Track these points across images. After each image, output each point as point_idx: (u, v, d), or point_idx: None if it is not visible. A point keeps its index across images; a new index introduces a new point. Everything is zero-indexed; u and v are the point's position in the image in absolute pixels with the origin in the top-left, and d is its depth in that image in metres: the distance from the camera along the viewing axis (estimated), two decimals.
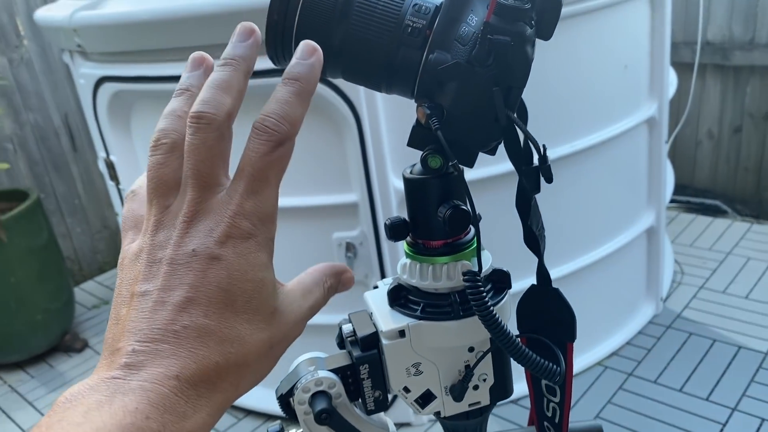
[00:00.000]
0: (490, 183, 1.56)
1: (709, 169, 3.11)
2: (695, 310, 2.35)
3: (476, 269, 0.47)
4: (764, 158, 2.92)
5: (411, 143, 0.45)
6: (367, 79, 0.44)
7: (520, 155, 0.41)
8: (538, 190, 0.45)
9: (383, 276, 1.76)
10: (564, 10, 1.56)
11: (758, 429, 1.82)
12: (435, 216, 0.48)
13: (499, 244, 0.87)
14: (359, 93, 1.55)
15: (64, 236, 3.08)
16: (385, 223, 0.50)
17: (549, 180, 0.40)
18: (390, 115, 1.61)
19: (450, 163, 0.41)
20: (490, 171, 1.49)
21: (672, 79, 2.22)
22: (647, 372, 2.08)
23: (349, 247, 1.78)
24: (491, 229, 0.79)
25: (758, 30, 2.78)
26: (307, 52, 0.38)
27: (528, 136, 0.39)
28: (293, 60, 0.38)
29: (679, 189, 3.10)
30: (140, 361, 0.31)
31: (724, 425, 1.85)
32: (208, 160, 0.35)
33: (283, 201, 1.79)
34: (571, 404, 0.52)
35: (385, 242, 1.72)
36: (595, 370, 2.11)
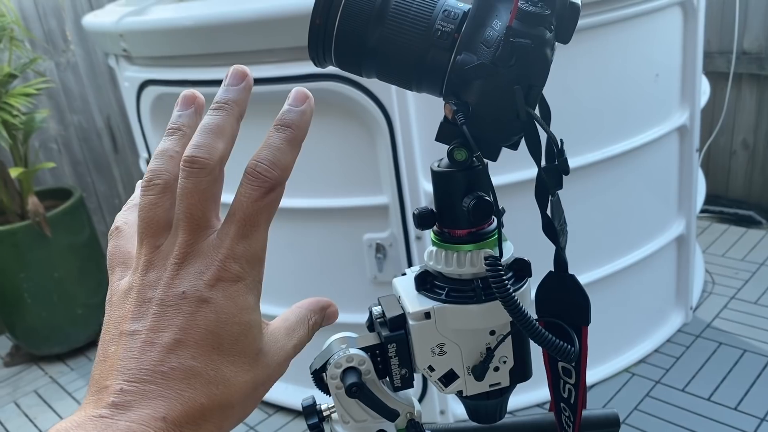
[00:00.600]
0: (517, 188, 1.59)
1: (743, 180, 3.08)
2: (726, 320, 2.34)
3: (494, 257, 0.50)
4: None
5: (438, 138, 0.49)
6: (400, 78, 0.48)
7: (538, 149, 0.45)
8: (560, 186, 0.48)
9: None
10: (596, 19, 1.60)
11: None
12: (460, 206, 0.51)
13: (524, 245, 0.90)
14: (391, 97, 1.60)
15: (104, 235, 3.18)
16: (413, 213, 0.54)
17: (566, 172, 0.44)
18: (421, 119, 1.65)
19: (474, 155, 0.45)
20: (516, 177, 1.51)
21: (705, 87, 2.22)
22: (675, 380, 2.08)
23: (379, 248, 1.83)
24: (516, 231, 0.82)
25: None
26: (299, 99, 0.40)
27: (546, 131, 0.43)
28: (285, 106, 0.40)
29: (712, 199, 3.08)
30: (128, 401, 0.32)
31: None
32: (201, 204, 0.36)
33: (315, 202, 1.85)
34: (587, 388, 0.55)
35: (414, 243, 1.76)
36: (622, 376, 2.12)
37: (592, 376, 2.06)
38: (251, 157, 0.38)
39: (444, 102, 0.47)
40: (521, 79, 0.42)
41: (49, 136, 2.99)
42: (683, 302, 2.32)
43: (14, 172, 2.33)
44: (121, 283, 0.37)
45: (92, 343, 2.73)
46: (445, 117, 0.48)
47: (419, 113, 1.64)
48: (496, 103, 0.43)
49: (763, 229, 2.93)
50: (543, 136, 0.46)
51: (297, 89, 0.41)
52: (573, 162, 1.75)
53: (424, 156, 1.68)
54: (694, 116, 2.07)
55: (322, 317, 0.45)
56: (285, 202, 1.66)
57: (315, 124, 1.72)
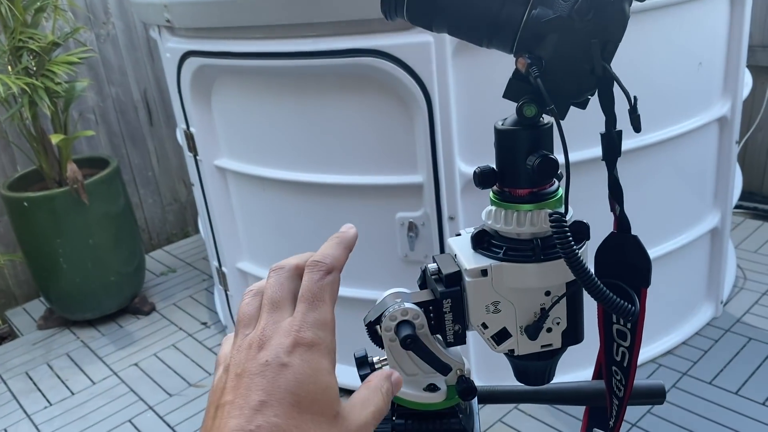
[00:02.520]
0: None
1: None
2: (756, 316, 2.31)
3: (560, 214, 0.51)
4: None
5: (507, 94, 0.50)
6: (471, 33, 0.49)
7: (612, 106, 0.45)
8: (620, 153, 0.49)
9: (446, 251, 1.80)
10: (641, 5, 1.56)
11: None
12: (524, 165, 0.52)
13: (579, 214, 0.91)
14: (432, 74, 1.60)
15: (136, 206, 3.23)
16: (474, 171, 0.55)
17: (637, 129, 0.44)
18: (461, 101, 1.65)
19: (547, 109, 0.45)
20: (578, 156, 1.50)
21: (747, 79, 2.18)
22: (703, 373, 2.07)
23: (411, 227, 1.83)
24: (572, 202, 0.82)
25: None
26: (348, 227, 0.51)
27: (621, 87, 0.43)
28: (340, 231, 0.51)
29: (747, 195, 3.03)
30: None
31: None
32: (279, 293, 0.44)
33: (349, 179, 1.85)
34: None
35: (447, 223, 1.77)
36: (648, 366, 2.11)
37: None
38: None
39: (515, 57, 0.47)
40: (598, 33, 0.42)
41: (88, 106, 3.03)
42: (714, 296, 2.30)
43: (55, 139, 2.38)
44: (219, 366, 0.44)
45: (123, 311, 2.78)
46: (515, 73, 0.48)
47: (459, 91, 1.63)
48: (571, 57, 0.44)
49: None
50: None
51: (348, 225, 0.52)
52: (589, 153, 1.74)
53: (462, 136, 1.68)
54: (735, 108, 2.04)
55: (391, 384, 0.48)
56: (321, 177, 1.68)
57: (353, 100, 1.76)
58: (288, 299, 0.44)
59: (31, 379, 2.45)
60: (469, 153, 1.71)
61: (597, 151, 0.49)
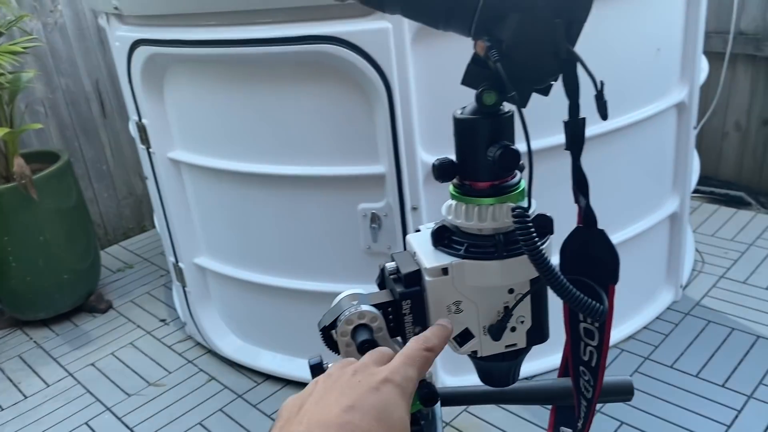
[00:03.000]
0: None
1: (734, 161, 3.08)
2: (715, 299, 2.35)
3: (523, 208, 0.48)
4: None
5: (465, 81, 0.47)
6: (426, 13, 0.45)
7: (576, 92, 0.42)
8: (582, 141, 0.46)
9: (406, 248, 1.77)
10: None
11: None
12: (484, 156, 0.49)
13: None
14: (391, 63, 1.56)
15: (91, 201, 3.13)
16: (433, 164, 0.52)
17: (604, 116, 0.42)
18: (421, 88, 1.62)
19: (508, 96, 0.42)
20: (541, 143, 1.48)
21: (704, 65, 2.20)
22: (664, 357, 2.09)
23: (374, 219, 1.80)
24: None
25: None
26: (448, 321, 0.53)
27: (587, 71, 0.40)
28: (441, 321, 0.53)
29: (703, 179, 3.08)
30: None
31: (740, 412, 1.85)
32: (388, 356, 0.50)
33: (310, 170, 1.80)
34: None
35: (410, 214, 1.74)
36: (611, 352, 2.12)
37: None
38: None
39: (474, 40, 0.44)
40: (562, 12, 0.39)
41: (36, 98, 2.91)
42: (674, 280, 2.33)
43: None
44: (299, 393, 0.49)
45: (78, 309, 2.69)
46: (474, 57, 0.45)
47: (419, 78, 1.60)
48: (534, 39, 0.41)
49: (753, 210, 2.94)
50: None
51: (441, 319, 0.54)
52: (554, 140, 1.73)
53: (423, 124, 1.65)
54: (693, 93, 2.06)
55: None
56: (280, 168, 1.63)
57: (311, 89, 1.70)
58: (389, 359, 0.50)
59: None
60: (431, 142, 1.68)
61: (559, 138, 0.46)
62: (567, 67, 0.41)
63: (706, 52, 2.44)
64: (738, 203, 3.02)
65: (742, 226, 2.81)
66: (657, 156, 2.11)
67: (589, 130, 1.55)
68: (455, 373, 1.98)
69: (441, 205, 0.54)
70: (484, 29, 0.42)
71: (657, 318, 2.26)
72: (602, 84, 0.41)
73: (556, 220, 0.53)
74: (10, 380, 2.35)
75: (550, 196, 0.73)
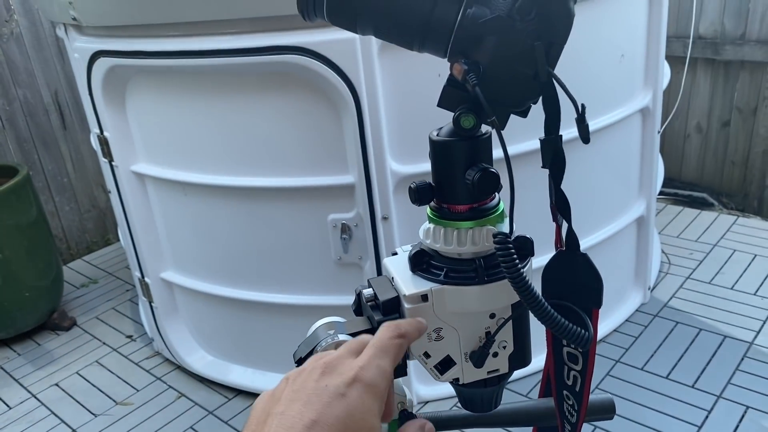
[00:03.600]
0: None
1: (696, 162, 3.13)
2: (682, 300, 2.38)
3: (504, 234, 0.47)
4: (751, 152, 2.95)
5: (442, 103, 0.45)
6: (400, 35, 0.44)
7: (557, 116, 0.41)
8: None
9: (378, 258, 1.76)
10: None
11: (742, 416, 1.85)
12: (462, 179, 0.48)
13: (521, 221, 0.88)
14: (359, 71, 1.54)
15: (52, 215, 3.04)
16: (410, 187, 0.50)
17: (586, 140, 0.40)
18: (389, 98, 1.60)
19: (488, 120, 0.41)
20: (517, 149, 1.47)
21: (666, 70, 2.23)
22: (634, 359, 2.11)
23: (345, 229, 1.78)
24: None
25: (749, 25, 2.80)
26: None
27: (568, 94, 0.39)
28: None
29: (667, 181, 3.13)
30: None
31: (710, 412, 1.87)
32: (360, 345, 0.47)
33: (279, 181, 1.77)
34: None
35: (381, 224, 1.72)
36: None
37: None
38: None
39: (450, 62, 0.43)
40: (542, 34, 0.38)
41: None
42: (642, 282, 2.36)
43: None
44: (266, 392, 0.46)
45: (41, 327, 2.61)
46: (450, 80, 0.44)
47: (387, 88, 1.59)
48: (512, 61, 0.39)
49: (716, 211, 3.00)
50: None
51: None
52: (536, 143, 1.74)
53: (392, 134, 1.64)
54: (656, 98, 2.09)
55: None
56: (247, 180, 1.59)
57: (278, 99, 1.67)
58: (358, 351, 0.47)
59: None
60: (401, 151, 1.67)
61: (531, 144, 0.45)
62: (547, 89, 0.40)
63: (667, 57, 2.48)
64: (701, 204, 3.08)
65: (706, 226, 2.86)
66: (623, 161, 2.13)
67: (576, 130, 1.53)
68: (429, 383, 1.97)
69: (411, 213, 0.53)
70: (461, 51, 0.41)
71: (626, 320, 2.29)
72: (584, 107, 0.40)
73: (528, 224, 0.52)
74: None
75: (524, 204, 0.73)
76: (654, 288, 2.45)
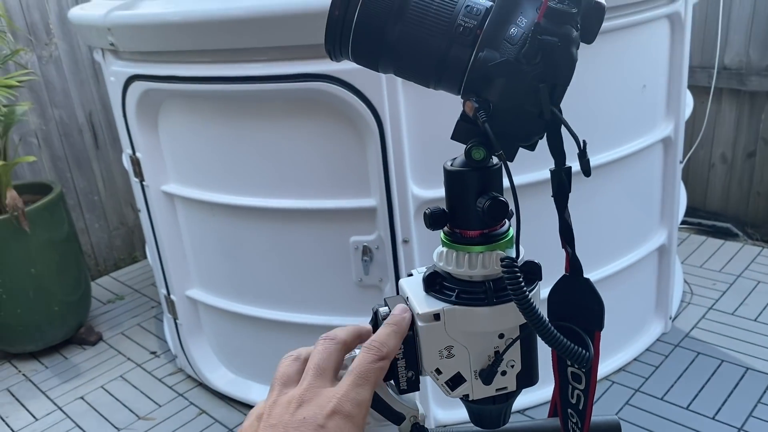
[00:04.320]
0: (523, 190, 1.59)
1: (721, 192, 3.12)
2: (704, 331, 2.36)
3: (511, 258, 0.50)
4: None
5: (455, 136, 0.49)
6: (418, 75, 0.48)
7: (561, 150, 0.44)
8: (569, 189, 0.48)
9: (398, 281, 1.78)
10: None
11: None
12: (474, 207, 0.51)
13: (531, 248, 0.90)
14: (383, 98, 1.59)
15: (82, 231, 3.13)
16: (425, 213, 0.53)
17: (587, 173, 0.44)
18: (412, 125, 1.65)
19: (496, 153, 0.44)
20: (523, 179, 1.50)
21: (688, 100, 2.25)
22: (654, 389, 2.10)
23: (366, 251, 1.81)
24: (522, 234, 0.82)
25: None
26: (402, 310, 0.52)
27: (570, 131, 0.42)
28: (394, 315, 0.52)
29: (691, 211, 3.12)
30: None
31: None
32: (327, 360, 0.48)
33: (302, 203, 1.82)
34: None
35: (401, 247, 1.75)
36: (602, 384, 2.13)
37: None
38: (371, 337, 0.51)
39: (463, 100, 0.47)
40: (546, 77, 0.42)
41: (29, 130, 2.93)
42: (663, 312, 2.35)
43: None
44: (254, 410, 0.47)
45: (68, 342, 2.68)
46: (462, 115, 0.48)
47: (410, 115, 1.63)
48: (519, 101, 0.43)
49: (740, 242, 2.98)
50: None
51: (399, 305, 0.53)
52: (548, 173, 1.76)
53: (414, 159, 1.68)
54: (678, 128, 2.10)
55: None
56: (273, 202, 1.64)
57: (304, 124, 1.72)
58: (332, 369, 0.48)
59: None
60: (422, 176, 1.71)
61: (544, 173, 0.48)
62: (551, 127, 0.43)
63: (692, 87, 2.50)
64: (725, 234, 3.06)
65: (730, 257, 2.84)
66: (644, 189, 2.15)
67: (577, 165, 1.56)
68: (447, 407, 1.98)
69: (431, 238, 0.56)
70: (472, 90, 0.44)
71: (647, 350, 2.28)
72: (584, 143, 0.43)
73: (541, 252, 0.55)
74: None
75: (535, 227, 0.75)
76: (676, 318, 2.44)
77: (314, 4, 1.49)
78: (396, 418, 0.55)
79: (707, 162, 3.13)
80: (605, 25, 1.53)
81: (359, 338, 0.53)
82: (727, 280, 2.67)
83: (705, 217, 3.16)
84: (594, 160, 1.86)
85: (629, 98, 1.94)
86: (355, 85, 1.58)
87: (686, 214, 2.99)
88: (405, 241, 1.76)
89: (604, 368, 2.17)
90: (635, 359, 2.24)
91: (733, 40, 2.90)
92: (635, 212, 2.13)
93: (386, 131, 1.63)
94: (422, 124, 1.65)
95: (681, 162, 2.20)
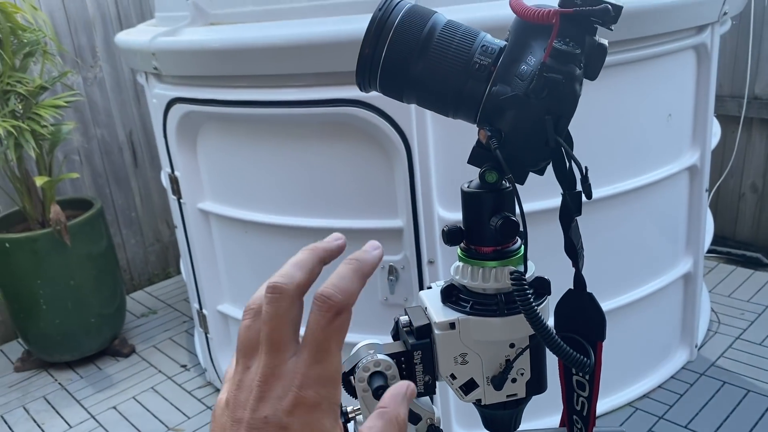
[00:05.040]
0: (541, 215, 1.63)
1: (751, 222, 3.11)
2: (730, 360, 2.35)
3: (519, 272, 0.54)
4: None
5: (471, 161, 0.54)
6: (438, 105, 0.53)
7: (565, 175, 0.49)
8: (579, 212, 0.53)
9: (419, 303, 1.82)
10: (612, 59, 1.66)
11: None
12: (488, 225, 0.56)
13: (544, 269, 0.94)
14: (411, 123, 1.65)
15: (119, 246, 3.23)
16: (443, 230, 0.58)
17: (589, 196, 0.48)
18: (439, 146, 1.70)
19: (506, 177, 0.49)
20: (541, 205, 1.54)
21: (716, 129, 2.27)
22: (678, 417, 2.09)
23: (392, 271, 1.86)
24: (538, 256, 0.87)
25: None
26: (372, 247, 0.46)
27: (572, 158, 0.47)
28: (360, 251, 0.45)
29: (720, 240, 3.11)
30: None
31: None
32: (279, 328, 0.39)
33: (331, 222, 1.88)
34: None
35: (427, 267, 1.80)
36: (625, 410, 2.13)
37: None
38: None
39: (478, 128, 0.52)
40: (551, 110, 0.47)
41: (73, 147, 3.06)
42: (688, 340, 2.34)
43: (39, 181, 2.39)
44: (222, 396, 0.42)
45: (102, 353, 2.76)
46: (478, 141, 0.53)
47: (437, 140, 1.69)
48: (527, 131, 0.48)
49: None
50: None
51: (372, 242, 0.47)
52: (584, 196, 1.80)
53: (440, 182, 1.73)
54: (704, 157, 2.12)
55: (408, 405, 0.44)
56: (304, 221, 1.71)
57: (335, 146, 1.81)
58: (289, 334, 0.39)
59: (6, 422, 2.41)
60: (448, 198, 1.76)
61: (555, 201, 0.53)
62: (556, 154, 0.48)
63: (722, 116, 2.51)
64: (755, 264, 3.03)
65: (759, 287, 2.82)
66: (670, 217, 2.16)
67: (603, 191, 1.61)
68: (468, 427, 2.00)
69: (456, 258, 0.61)
70: (487, 120, 0.50)
71: (672, 377, 2.27)
72: (587, 169, 0.48)
73: (556, 281, 0.60)
74: (34, 421, 2.41)
75: (549, 256, 0.80)
76: (702, 346, 2.43)
77: (348, 34, 1.56)
78: (414, 417, 0.59)
79: (737, 191, 3.12)
80: (630, 55, 1.57)
81: (322, 265, 0.44)
82: (756, 310, 2.65)
83: (734, 247, 3.15)
84: (619, 187, 1.89)
85: (654, 126, 1.97)
86: (385, 111, 1.65)
87: (716, 243, 2.98)
88: (430, 262, 1.80)
89: (627, 394, 2.17)
90: (659, 386, 2.23)
91: (764, 69, 2.91)
92: (660, 239, 2.15)
93: (414, 155, 1.68)
94: (449, 149, 1.70)
95: (708, 191, 2.21)
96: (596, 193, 1.86)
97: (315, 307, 0.39)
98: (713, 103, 2.10)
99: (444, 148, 1.70)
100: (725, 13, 1.93)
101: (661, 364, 2.29)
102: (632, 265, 2.06)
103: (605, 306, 1.95)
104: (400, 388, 0.44)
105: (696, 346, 2.37)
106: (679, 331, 2.34)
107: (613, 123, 1.85)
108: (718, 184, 2.99)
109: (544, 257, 0.79)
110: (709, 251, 2.70)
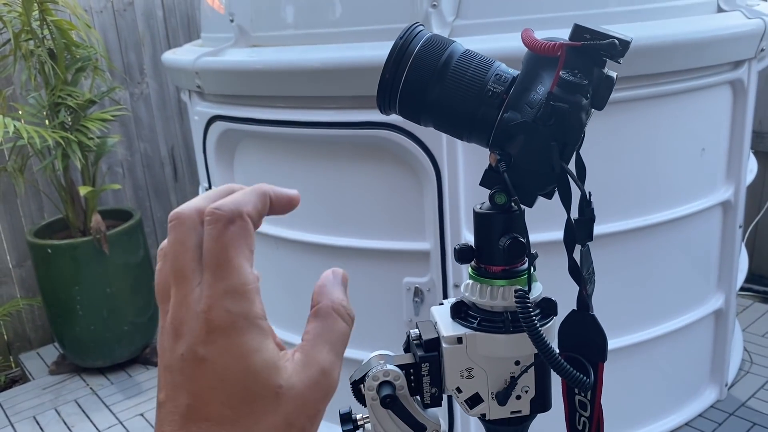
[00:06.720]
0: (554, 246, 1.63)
1: None
2: (761, 401, 2.30)
3: (524, 290, 0.57)
4: None
5: (482, 183, 0.57)
6: (453, 128, 0.56)
7: (569, 199, 0.52)
8: (590, 238, 0.55)
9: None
10: (645, 92, 1.67)
11: None
12: (497, 245, 0.58)
13: (556, 294, 0.95)
14: (442, 147, 1.68)
15: (155, 258, 3.31)
16: (454, 248, 0.61)
17: (592, 220, 0.51)
18: (468, 171, 1.72)
19: (512, 199, 0.52)
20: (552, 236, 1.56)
21: (752, 165, 2.24)
22: None
23: (417, 292, 1.88)
24: (552, 284, 0.89)
25: None
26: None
27: (577, 183, 0.50)
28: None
29: (757, 278, 3.05)
30: None
31: None
32: (180, 256, 0.35)
33: (363, 242, 1.92)
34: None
35: (452, 290, 1.82)
36: None
37: None
38: None
39: (489, 152, 0.55)
40: (558, 137, 0.49)
41: (116, 160, 3.17)
42: (718, 378, 2.30)
43: (83, 190, 2.49)
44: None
45: (133, 361, 2.83)
46: (490, 164, 0.56)
47: (467, 165, 1.71)
48: (535, 156, 0.51)
49: None
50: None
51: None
52: (614, 227, 1.80)
53: (468, 206, 1.75)
54: (739, 192, 2.10)
55: (345, 289, 0.42)
56: (334, 239, 1.76)
57: (367, 167, 1.86)
58: (193, 261, 0.35)
59: (38, 423, 2.48)
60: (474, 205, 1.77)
61: (560, 233, 0.55)
62: (562, 179, 0.51)
63: (761, 152, 2.48)
64: None
65: None
66: (702, 252, 2.14)
67: (634, 223, 1.61)
68: None
69: None
70: (498, 144, 0.53)
71: (699, 415, 2.23)
72: (590, 194, 0.50)
73: (565, 302, 0.62)
74: (65, 423, 2.47)
75: (557, 283, 0.82)
76: (732, 386, 2.38)
77: (383, 59, 1.61)
78: (419, 428, 0.61)
79: None
80: (665, 88, 1.59)
81: (262, 198, 0.40)
82: None
83: None
84: (650, 219, 1.89)
85: (688, 160, 1.96)
86: (417, 135, 1.68)
87: (753, 282, 2.92)
88: (456, 286, 1.82)
89: (653, 430, 2.14)
90: (686, 424, 2.19)
91: None
92: (691, 274, 2.13)
93: (443, 179, 1.71)
94: (478, 175, 1.71)
95: (742, 227, 2.18)
96: (627, 225, 1.87)
97: (206, 224, 0.35)
98: (749, 139, 2.08)
99: (473, 173, 1.72)
100: (762, 50, 1.92)
101: (690, 401, 2.25)
102: (662, 298, 2.04)
103: (633, 339, 1.95)
104: (325, 278, 0.42)
105: (726, 385, 2.32)
106: (709, 369, 2.30)
107: (644, 155, 1.85)
108: (756, 220, 2.94)
109: (563, 283, 0.81)
110: (745, 289, 2.65)
